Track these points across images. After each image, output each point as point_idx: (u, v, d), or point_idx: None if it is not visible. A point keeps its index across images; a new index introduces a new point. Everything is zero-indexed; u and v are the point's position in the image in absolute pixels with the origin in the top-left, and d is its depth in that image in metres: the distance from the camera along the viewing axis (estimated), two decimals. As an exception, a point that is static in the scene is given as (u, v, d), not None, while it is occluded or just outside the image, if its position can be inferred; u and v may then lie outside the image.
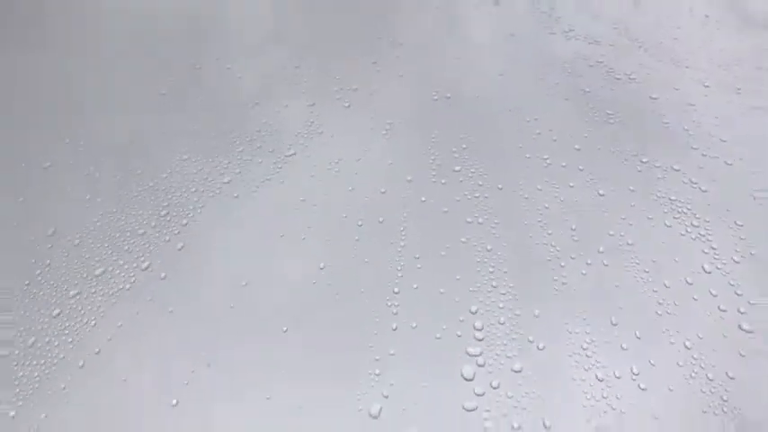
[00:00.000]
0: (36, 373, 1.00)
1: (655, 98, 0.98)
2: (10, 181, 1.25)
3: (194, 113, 1.31)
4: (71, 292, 1.12)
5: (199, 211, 1.17)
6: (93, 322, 1.10)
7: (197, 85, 1.33)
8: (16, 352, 1.02)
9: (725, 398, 0.78)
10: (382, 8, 1.31)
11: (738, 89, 1.00)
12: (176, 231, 1.19)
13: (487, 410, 0.91)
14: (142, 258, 1.18)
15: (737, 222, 0.85)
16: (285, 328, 1.03)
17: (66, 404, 1.00)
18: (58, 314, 1.11)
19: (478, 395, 0.93)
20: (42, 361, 1.04)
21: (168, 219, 1.21)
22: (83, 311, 1.09)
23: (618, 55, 1.02)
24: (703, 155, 0.88)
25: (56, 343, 1.06)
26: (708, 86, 0.98)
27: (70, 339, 1.08)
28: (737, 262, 0.87)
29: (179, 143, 1.29)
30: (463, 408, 0.92)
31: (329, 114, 1.16)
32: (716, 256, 0.84)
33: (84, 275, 1.13)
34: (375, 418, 0.94)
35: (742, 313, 0.86)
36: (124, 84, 1.39)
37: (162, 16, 1.43)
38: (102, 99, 1.33)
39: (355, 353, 1.03)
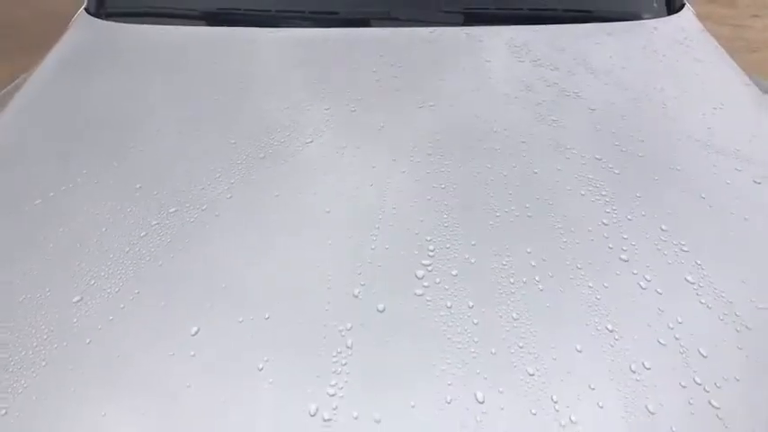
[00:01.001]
0: None
1: (593, 109, 1.08)
2: None
3: None
4: None
5: None
6: None
7: None
8: None
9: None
10: None
11: (664, 105, 1.12)
12: None
13: None
14: None
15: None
16: None
17: None
18: None
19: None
20: None
21: None
22: None
23: (572, 79, 1.14)
24: (622, 150, 0.98)
25: None
26: (639, 103, 1.11)
27: None
28: None
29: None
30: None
31: None
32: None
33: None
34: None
35: None
36: None
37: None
38: None
39: None
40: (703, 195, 0.94)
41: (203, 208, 0.89)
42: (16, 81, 1.38)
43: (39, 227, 0.88)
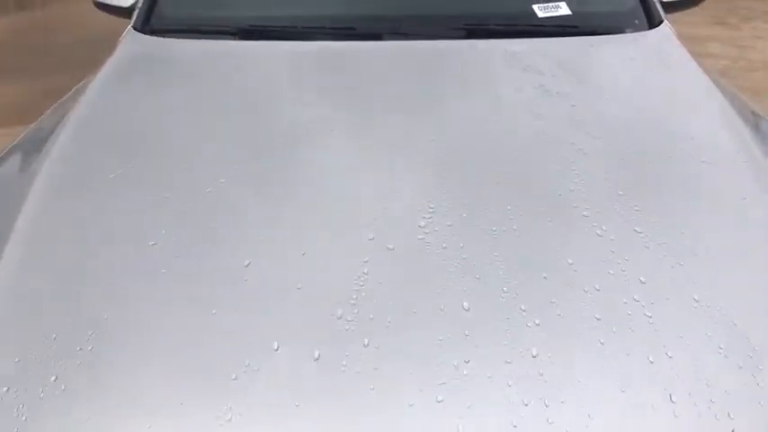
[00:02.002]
0: None
1: (573, 105, 1.28)
2: None
3: None
4: None
5: None
6: None
7: None
8: None
9: None
10: None
11: (635, 103, 1.34)
12: None
13: None
14: None
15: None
16: None
17: None
18: None
19: None
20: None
21: None
22: None
23: (556, 81, 1.35)
24: (594, 137, 1.20)
25: None
26: (613, 101, 1.34)
27: None
28: None
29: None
30: None
31: None
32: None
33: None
34: None
35: None
36: None
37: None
38: None
39: None
40: (654, 166, 1.14)
41: (252, 180, 1.10)
42: (76, 87, 1.59)
43: (126, 193, 1.10)
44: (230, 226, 1.01)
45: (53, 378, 0.77)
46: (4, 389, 0.76)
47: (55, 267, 0.95)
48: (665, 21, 1.68)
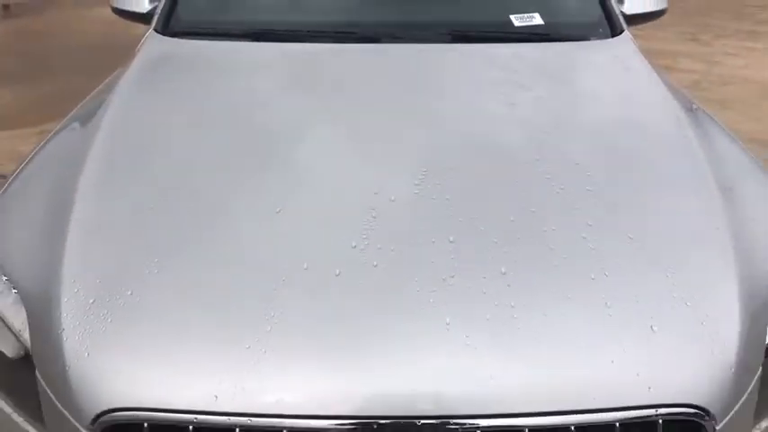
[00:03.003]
0: None
1: (541, 96, 1.56)
2: None
3: None
4: None
5: None
6: None
7: None
8: None
9: None
10: None
11: (594, 95, 1.60)
12: None
13: None
14: None
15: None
16: None
17: None
18: None
19: None
20: None
21: None
22: None
23: (527, 78, 1.61)
24: (558, 120, 1.49)
25: None
26: (575, 95, 1.62)
27: None
28: None
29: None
30: None
31: None
32: None
33: None
34: None
35: None
36: None
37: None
38: None
39: None
40: (604, 141, 1.40)
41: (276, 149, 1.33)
42: (106, 81, 1.79)
43: (171, 152, 1.35)
44: (264, 184, 1.23)
45: (129, 293, 0.96)
46: (91, 300, 0.95)
47: (124, 208, 1.18)
48: (626, 30, 1.94)
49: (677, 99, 1.60)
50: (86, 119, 1.49)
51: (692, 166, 1.30)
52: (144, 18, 2.08)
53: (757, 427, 0.98)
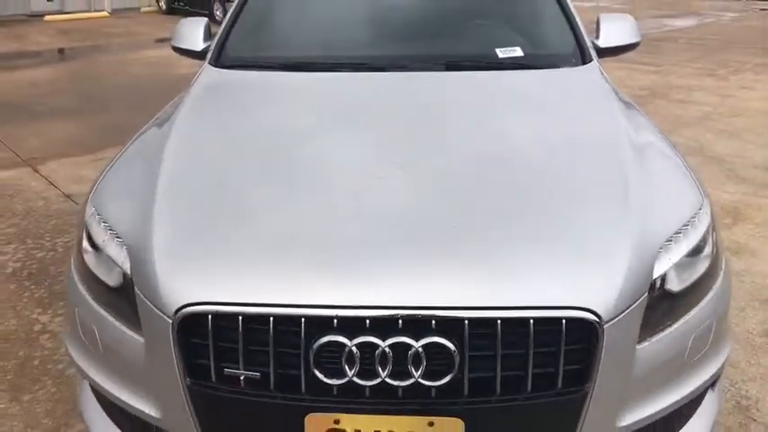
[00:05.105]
0: None
1: (518, 106, 2.01)
2: None
3: None
4: None
5: None
6: None
7: None
8: None
9: None
10: None
11: (559, 111, 2.01)
12: None
13: None
14: None
15: None
16: None
17: None
18: None
19: None
20: None
21: None
22: None
23: (502, 98, 2.08)
24: (528, 122, 1.93)
25: None
26: (543, 111, 2.03)
27: None
28: None
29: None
30: None
31: None
32: None
33: None
34: None
35: None
36: None
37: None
38: None
39: None
40: (559, 134, 1.80)
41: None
42: (172, 101, 2.29)
43: (231, 144, 1.82)
44: (300, 164, 1.67)
45: (202, 227, 1.43)
46: (173, 233, 1.41)
47: (197, 174, 1.64)
48: (595, 59, 2.37)
49: (622, 106, 2.01)
50: (162, 123, 2.00)
51: (616, 149, 1.70)
52: (198, 55, 2.62)
53: (648, 339, 1.33)
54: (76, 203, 3.90)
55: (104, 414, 1.56)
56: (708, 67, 8.55)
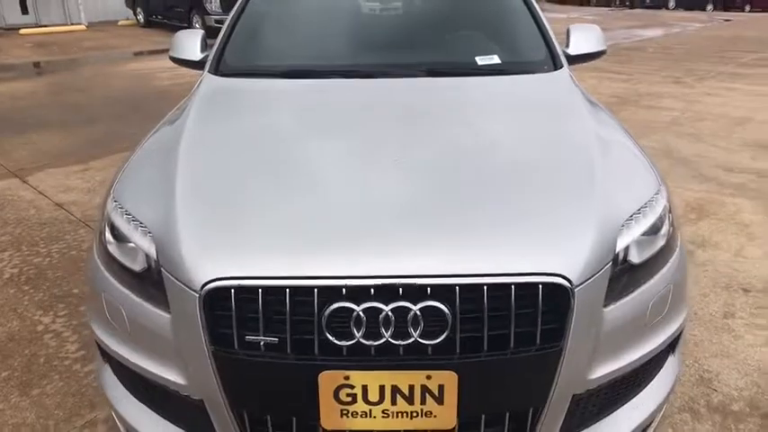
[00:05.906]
0: None
1: (494, 105, 2.23)
2: None
3: None
4: None
5: None
6: None
7: None
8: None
9: None
10: None
11: (534, 109, 2.24)
12: None
13: None
14: None
15: None
16: None
17: None
18: None
19: None
20: None
21: None
22: None
23: (480, 100, 2.32)
24: (502, 119, 2.16)
25: None
26: (518, 110, 2.25)
27: None
28: None
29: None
30: None
31: None
32: None
33: None
34: None
35: None
36: None
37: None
38: None
39: None
40: (531, 127, 2.03)
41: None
42: (178, 105, 2.47)
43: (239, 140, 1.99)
44: (304, 158, 1.84)
45: (221, 212, 1.60)
46: (196, 218, 1.57)
47: (213, 165, 1.82)
48: (565, 66, 2.62)
49: (589, 106, 2.24)
50: (173, 124, 2.18)
51: (583, 141, 1.92)
52: (196, 65, 2.80)
53: (613, 303, 1.53)
54: (68, 212, 4.04)
55: (128, 392, 1.73)
56: (675, 75, 8.97)
